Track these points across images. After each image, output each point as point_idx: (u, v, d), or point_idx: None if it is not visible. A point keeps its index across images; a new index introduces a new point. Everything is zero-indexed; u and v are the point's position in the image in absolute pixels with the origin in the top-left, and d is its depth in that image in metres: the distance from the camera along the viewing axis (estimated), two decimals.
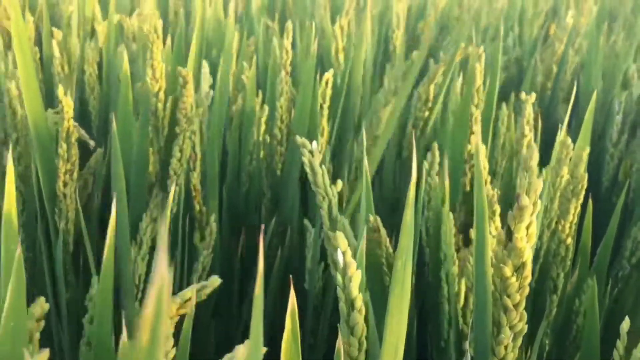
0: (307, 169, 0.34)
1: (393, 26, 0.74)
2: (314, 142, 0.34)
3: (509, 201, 0.59)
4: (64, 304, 0.52)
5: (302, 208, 0.64)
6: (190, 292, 0.35)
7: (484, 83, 0.56)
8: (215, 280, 0.37)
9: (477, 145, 0.29)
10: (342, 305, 0.28)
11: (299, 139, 0.34)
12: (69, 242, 0.56)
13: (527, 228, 0.28)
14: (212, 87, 0.67)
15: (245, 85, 0.63)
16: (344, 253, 0.26)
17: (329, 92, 0.61)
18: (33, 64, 0.47)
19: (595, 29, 0.97)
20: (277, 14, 1.26)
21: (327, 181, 0.33)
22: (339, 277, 0.27)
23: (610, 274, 0.59)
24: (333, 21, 1.11)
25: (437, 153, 0.45)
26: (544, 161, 0.56)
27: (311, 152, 0.34)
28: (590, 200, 0.48)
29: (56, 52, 0.75)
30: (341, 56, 0.71)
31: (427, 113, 0.64)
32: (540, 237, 0.49)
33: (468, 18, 1.10)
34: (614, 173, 0.83)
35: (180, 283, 0.60)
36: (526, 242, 0.28)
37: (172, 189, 0.48)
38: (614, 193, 0.83)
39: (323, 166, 0.33)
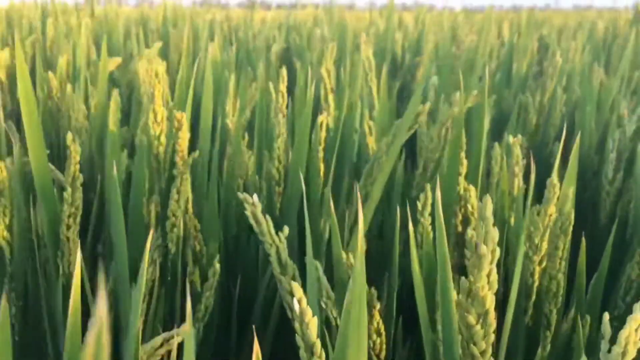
0: (252, 221, 0.35)
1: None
2: (255, 196, 0.36)
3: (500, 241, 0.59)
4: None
5: (299, 249, 0.64)
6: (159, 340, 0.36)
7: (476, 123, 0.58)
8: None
9: (437, 197, 0.30)
10: (302, 353, 0.28)
11: (241, 195, 0.36)
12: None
13: (488, 276, 0.28)
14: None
15: (234, 128, 0.65)
16: (299, 301, 0.27)
17: (323, 134, 0.63)
18: (37, 115, 0.49)
19: (587, 67, 0.99)
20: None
21: (272, 230, 0.35)
22: (297, 325, 0.28)
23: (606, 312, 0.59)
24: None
25: (429, 194, 0.46)
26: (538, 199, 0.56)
27: (253, 204, 0.35)
28: (583, 239, 0.49)
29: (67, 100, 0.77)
30: (330, 97, 0.72)
31: (437, 154, 0.66)
32: (532, 275, 0.50)
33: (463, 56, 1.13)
34: (611, 210, 0.83)
35: (180, 324, 0.60)
36: (488, 290, 0.28)
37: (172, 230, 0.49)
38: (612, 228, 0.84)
39: (267, 216, 0.35)
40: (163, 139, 0.50)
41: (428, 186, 0.47)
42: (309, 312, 0.27)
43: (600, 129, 0.94)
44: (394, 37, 1.42)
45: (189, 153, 0.56)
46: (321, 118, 0.66)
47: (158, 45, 0.98)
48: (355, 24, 2.18)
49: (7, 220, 0.56)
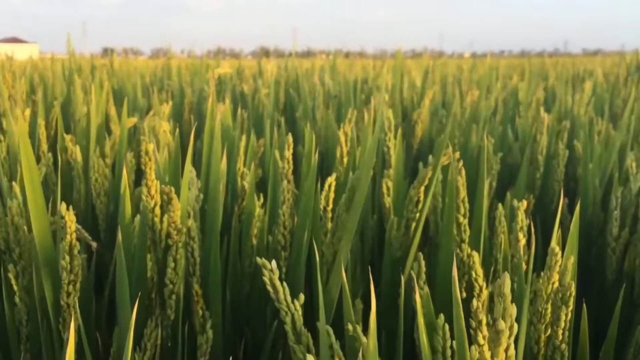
0: (269, 287, 0.35)
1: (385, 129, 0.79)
2: (273, 262, 0.36)
3: None
4: None
5: (309, 309, 0.65)
6: None
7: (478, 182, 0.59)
8: None
9: (454, 278, 0.31)
10: None
11: (259, 260, 0.36)
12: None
13: (506, 351, 0.29)
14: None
15: (246, 190, 0.66)
16: None
17: (332, 195, 0.64)
18: (40, 184, 0.51)
19: (588, 123, 1.00)
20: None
21: (289, 297, 0.35)
22: None
23: None
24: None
25: (422, 263, 0.47)
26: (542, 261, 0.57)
27: (271, 271, 0.36)
28: (584, 306, 0.49)
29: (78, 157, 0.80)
30: (345, 160, 0.74)
31: (417, 214, 0.66)
32: (537, 342, 0.50)
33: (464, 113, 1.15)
34: (618, 267, 0.83)
35: None
36: None
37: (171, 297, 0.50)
38: (620, 286, 0.83)
39: (284, 283, 0.35)
40: (157, 210, 0.52)
41: (421, 255, 0.47)
42: None
43: (605, 184, 0.95)
44: (402, 92, 1.45)
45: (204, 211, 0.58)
46: (330, 180, 0.67)
47: (167, 108, 1.01)
48: (362, 74, 2.22)
49: (25, 282, 0.57)
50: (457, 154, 0.57)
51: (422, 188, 0.60)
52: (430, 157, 0.64)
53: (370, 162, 0.52)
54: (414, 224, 0.61)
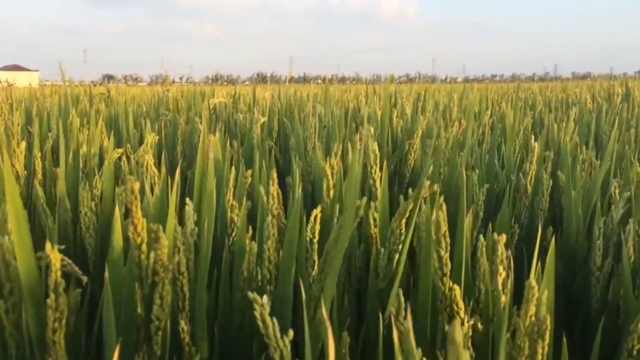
0: (259, 322, 0.36)
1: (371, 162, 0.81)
2: (265, 297, 0.37)
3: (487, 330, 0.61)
4: None
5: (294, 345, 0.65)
6: None
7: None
8: None
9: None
10: None
11: (250, 295, 0.37)
12: None
13: None
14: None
15: (236, 223, 0.68)
16: None
17: (317, 227, 0.66)
18: (26, 221, 0.52)
19: (573, 151, 1.02)
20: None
21: (278, 333, 0.36)
22: None
23: None
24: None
25: (402, 299, 0.48)
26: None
27: (262, 305, 0.36)
28: (564, 340, 0.50)
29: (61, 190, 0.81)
30: (332, 192, 0.76)
31: (400, 246, 0.68)
32: None
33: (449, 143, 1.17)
34: (602, 295, 0.84)
35: None
36: None
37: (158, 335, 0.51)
38: (605, 314, 0.84)
39: (274, 319, 0.36)
40: (144, 247, 0.53)
41: (400, 291, 0.48)
42: None
43: (589, 212, 0.96)
44: (391, 121, 1.48)
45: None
46: (315, 212, 0.69)
47: (153, 140, 1.03)
48: (355, 101, 2.26)
49: (14, 318, 0.58)
50: (435, 187, 0.59)
51: (404, 220, 0.62)
52: (410, 190, 0.66)
53: (355, 201, 0.53)
54: (396, 256, 0.63)
